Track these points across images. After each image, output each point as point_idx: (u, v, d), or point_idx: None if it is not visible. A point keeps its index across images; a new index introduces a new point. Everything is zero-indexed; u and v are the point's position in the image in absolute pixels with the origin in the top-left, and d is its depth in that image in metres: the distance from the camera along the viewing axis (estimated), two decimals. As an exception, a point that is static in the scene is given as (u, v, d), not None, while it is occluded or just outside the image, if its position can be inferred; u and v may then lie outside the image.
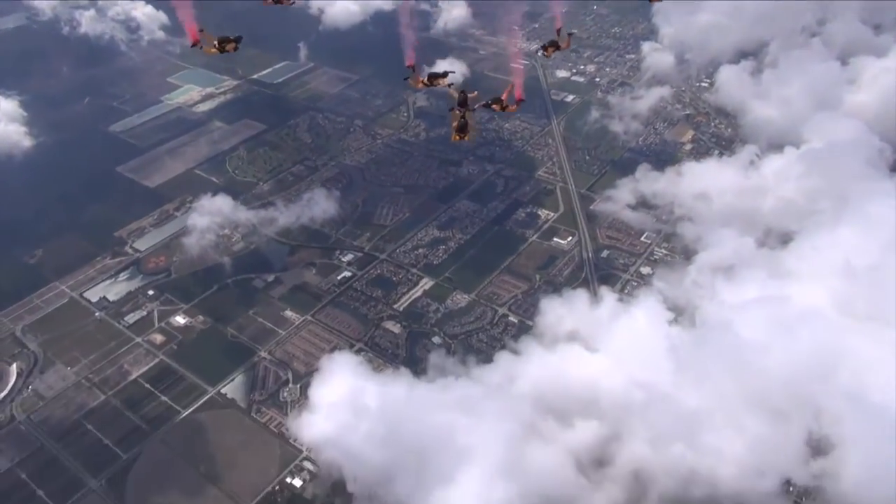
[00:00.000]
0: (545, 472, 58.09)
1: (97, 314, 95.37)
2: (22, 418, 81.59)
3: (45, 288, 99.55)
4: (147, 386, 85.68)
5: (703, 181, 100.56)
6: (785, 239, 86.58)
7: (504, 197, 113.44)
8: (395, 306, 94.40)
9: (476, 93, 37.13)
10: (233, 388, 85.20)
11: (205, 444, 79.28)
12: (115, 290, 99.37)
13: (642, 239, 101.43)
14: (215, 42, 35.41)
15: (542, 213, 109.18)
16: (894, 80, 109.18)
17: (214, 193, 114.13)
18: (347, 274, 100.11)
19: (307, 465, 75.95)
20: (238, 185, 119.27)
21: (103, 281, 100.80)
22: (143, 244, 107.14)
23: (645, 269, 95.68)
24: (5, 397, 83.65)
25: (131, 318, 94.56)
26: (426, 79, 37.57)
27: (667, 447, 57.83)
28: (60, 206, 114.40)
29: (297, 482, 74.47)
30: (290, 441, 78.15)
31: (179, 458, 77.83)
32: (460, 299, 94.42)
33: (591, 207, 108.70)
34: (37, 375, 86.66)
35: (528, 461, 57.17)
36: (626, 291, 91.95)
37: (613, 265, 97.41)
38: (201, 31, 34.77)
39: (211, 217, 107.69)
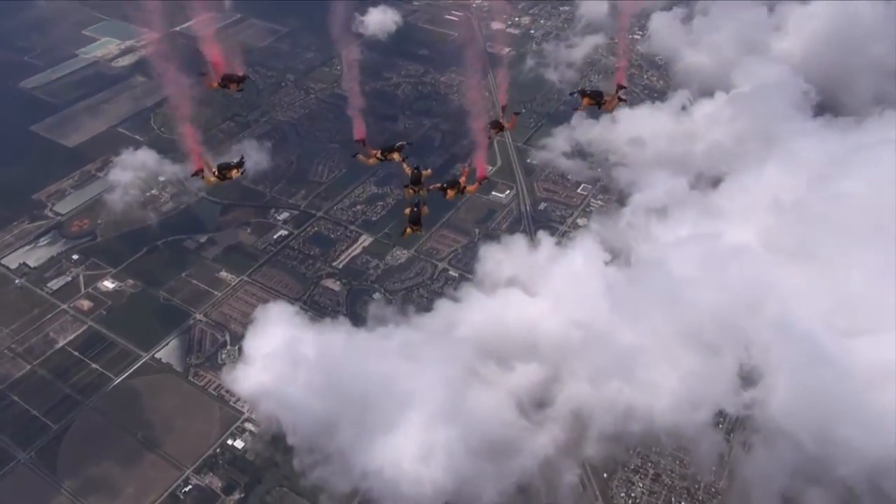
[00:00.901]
0: (487, 416, 58.68)
1: (17, 281, 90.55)
2: (-60, 392, 77.25)
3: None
4: (76, 354, 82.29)
5: (637, 127, 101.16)
6: (715, 181, 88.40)
7: (441, 151, 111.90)
8: (334, 264, 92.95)
9: (430, 171, 35.23)
10: (167, 352, 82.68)
11: (141, 411, 77.00)
12: (35, 255, 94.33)
13: (579, 191, 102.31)
14: (214, 170, 33.20)
15: (483, 167, 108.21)
16: (818, 26, 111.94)
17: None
18: (284, 232, 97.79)
19: (248, 426, 74.79)
20: (164, 142, 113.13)
21: (22, 247, 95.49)
22: (63, 207, 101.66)
23: (581, 221, 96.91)
24: (-80, 371, 78.90)
25: (55, 284, 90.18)
26: (379, 153, 35.58)
27: (605, 384, 59.08)
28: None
29: (239, 443, 73.31)
30: (231, 403, 76.73)
31: (114, 425, 75.41)
32: (400, 255, 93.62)
33: (529, 160, 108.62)
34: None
35: (469, 405, 57.48)
36: (563, 238, 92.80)
37: (551, 217, 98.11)
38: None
39: (135, 172, 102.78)
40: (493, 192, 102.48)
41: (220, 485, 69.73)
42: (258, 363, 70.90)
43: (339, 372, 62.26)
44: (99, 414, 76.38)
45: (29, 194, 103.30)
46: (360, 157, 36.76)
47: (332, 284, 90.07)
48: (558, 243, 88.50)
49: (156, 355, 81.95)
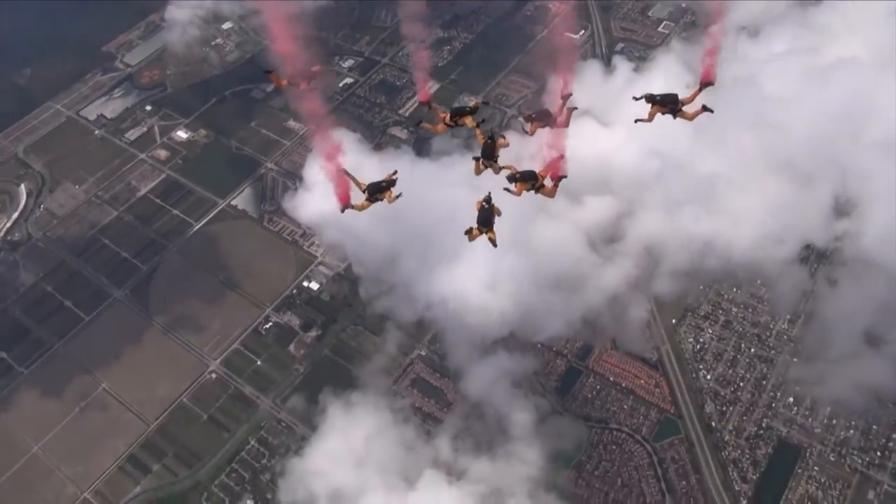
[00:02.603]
0: (555, 248, 57.16)
1: (97, 132, 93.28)
2: (39, 236, 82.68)
3: (40, 108, 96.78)
4: (157, 201, 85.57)
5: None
6: None
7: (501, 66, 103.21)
8: (401, 112, 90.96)
9: (506, 139, 28.22)
10: (242, 199, 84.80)
11: (221, 254, 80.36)
12: (111, 106, 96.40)
13: (660, 29, 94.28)
14: (365, 193, 27.66)
15: (553, 5, 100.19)
16: None
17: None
18: (349, 80, 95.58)
19: (322, 269, 76.91)
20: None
21: (98, 98, 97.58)
22: (133, 58, 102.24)
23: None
24: (18, 217, 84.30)
25: (132, 134, 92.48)
26: (449, 117, 28.57)
27: (680, 216, 55.79)
28: (41, 22, 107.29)
29: (314, 285, 75.90)
30: (304, 247, 78.72)
31: (197, 267, 79.27)
32: (468, 101, 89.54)
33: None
34: (46, 195, 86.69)
35: (537, 237, 55.92)
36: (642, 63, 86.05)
37: (629, 58, 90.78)
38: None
39: (191, 9, 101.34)
40: (567, 34, 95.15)
41: (298, 322, 73.18)
42: (318, 190, 70.47)
43: (401, 200, 60.66)
44: (182, 257, 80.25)
45: (99, 46, 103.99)
46: (426, 125, 30.57)
47: (399, 132, 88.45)
48: (636, 69, 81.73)
49: (231, 202, 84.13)
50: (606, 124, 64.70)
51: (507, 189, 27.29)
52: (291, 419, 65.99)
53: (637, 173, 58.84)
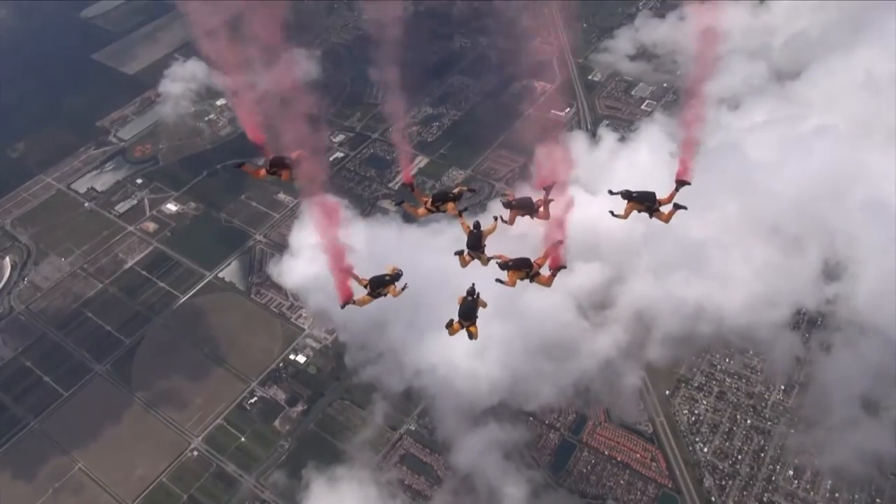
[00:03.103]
0: (545, 315, 56.39)
1: (86, 205, 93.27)
2: (21, 309, 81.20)
3: (31, 181, 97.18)
4: (143, 273, 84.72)
5: (709, 22, 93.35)
6: (796, 74, 79.93)
7: (498, 70, 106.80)
8: (390, 185, 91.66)
9: (495, 224, 26.46)
10: (230, 272, 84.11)
11: (207, 327, 78.99)
12: (102, 180, 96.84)
13: (643, 107, 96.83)
14: (366, 289, 26.18)
15: (539, 84, 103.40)
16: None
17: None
18: (340, 154, 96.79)
19: (310, 342, 75.65)
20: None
21: (89, 172, 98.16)
22: (126, 133, 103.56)
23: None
24: (2, 289, 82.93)
25: (121, 207, 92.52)
26: (430, 202, 27.26)
27: (670, 281, 55.50)
28: (37, 96, 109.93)
29: (301, 358, 74.44)
30: (292, 320, 77.65)
31: (182, 341, 77.69)
32: (456, 175, 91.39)
33: (590, 77, 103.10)
34: (31, 267, 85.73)
35: (526, 304, 55.22)
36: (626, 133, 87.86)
37: (614, 129, 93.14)
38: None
39: (185, 83, 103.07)
40: (553, 111, 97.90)
41: (283, 397, 71.23)
42: (303, 255, 69.61)
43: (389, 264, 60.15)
44: (167, 330, 78.74)
45: (93, 121, 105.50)
46: (408, 206, 28.42)
47: (389, 205, 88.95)
48: (621, 139, 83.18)
49: (219, 275, 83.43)
50: (594, 192, 65.54)
51: (498, 280, 25.80)
52: (275, 499, 63.17)
53: (624, 239, 58.63)
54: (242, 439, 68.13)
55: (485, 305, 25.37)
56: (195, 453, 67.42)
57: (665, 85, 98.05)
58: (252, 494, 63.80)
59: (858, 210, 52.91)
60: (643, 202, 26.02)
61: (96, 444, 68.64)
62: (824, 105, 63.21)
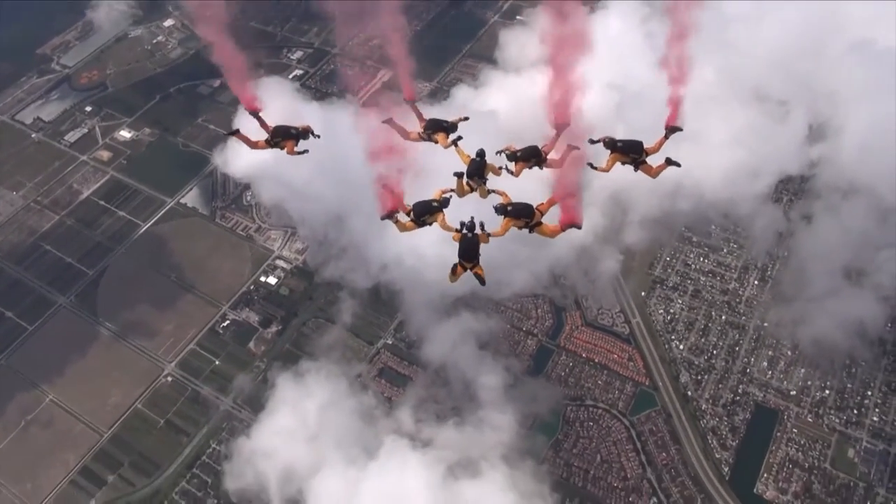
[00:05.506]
0: (516, 197, 54.02)
1: (34, 136, 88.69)
2: (-27, 246, 77.60)
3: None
4: (101, 203, 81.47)
5: None
6: None
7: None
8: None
9: (499, 170, 22.54)
10: (192, 197, 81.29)
11: (172, 254, 76.71)
12: (48, 109, 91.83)
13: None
14: (410, 214, 21.84)
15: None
16: None
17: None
18: (299, 72, 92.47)
19: (280, 262, 73.86)
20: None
21: (34, 102, 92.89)
22: (70, 59, 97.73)
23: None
24: (-49, 226, 79.06)
25: (72, 136, 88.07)
26: (422, 129, 23.38)
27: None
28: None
29: (272, 280, 72.77)
30: (260, 243, 75.58)
31: (148, 269, 75.44)
32: (422, 88, 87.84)
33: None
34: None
35: (496, 186, 52.82)
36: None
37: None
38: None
39: (130, 8, 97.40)
40: (518, 17, 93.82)
41: (256, 319, 69.88)
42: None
43: (346, 153, 56.13)
44: (131, 259, 76.28)
45: (33, 49, 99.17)
46: (394, 125, 23.58)
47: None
48: (591, 11, 75.97)
49: (181, 200, 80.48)
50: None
51: (496, 208, 21.63)
52: (253, 418, 62.64)
53: (597, 113, 54.68)
54: (217, 362, 67.06)
55: (487, 241, 21.38)
56: (169, 379, 66.34)
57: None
58: (231, 416, 63.16)
59: (844, 55, 49.72)
60: (629, 153, 22.54)
61: (66, 376, 67.12)
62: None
